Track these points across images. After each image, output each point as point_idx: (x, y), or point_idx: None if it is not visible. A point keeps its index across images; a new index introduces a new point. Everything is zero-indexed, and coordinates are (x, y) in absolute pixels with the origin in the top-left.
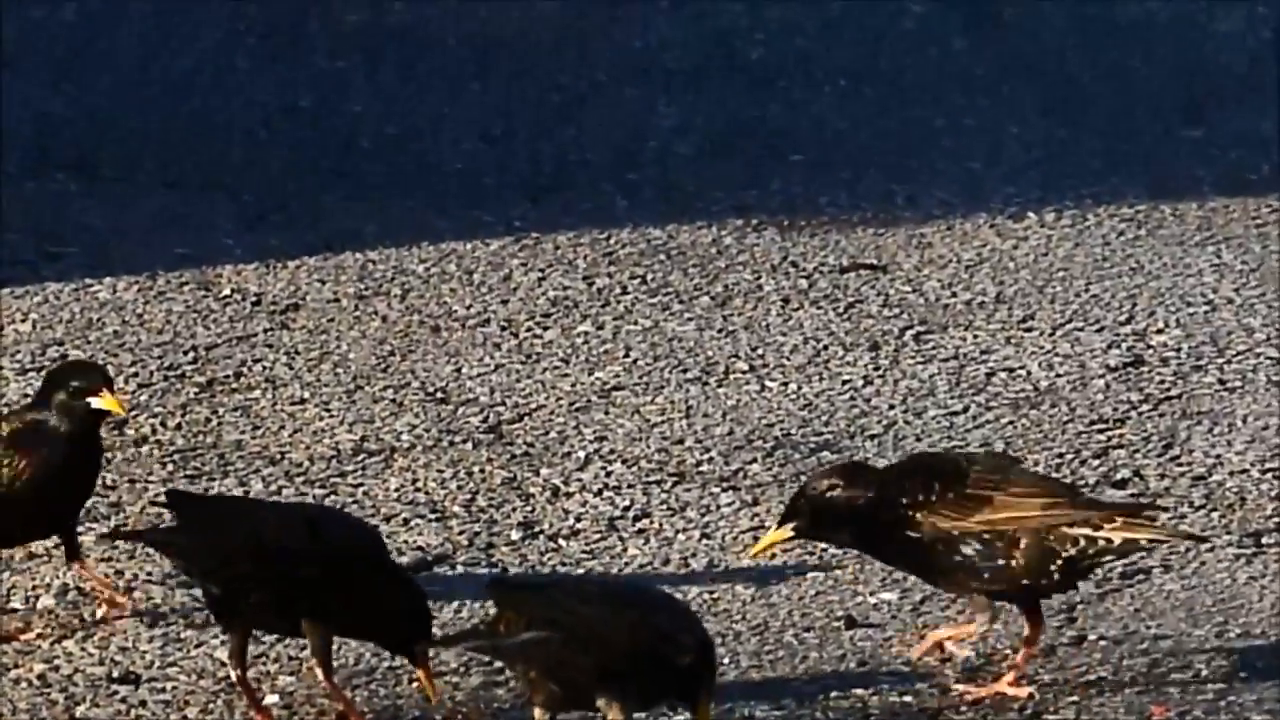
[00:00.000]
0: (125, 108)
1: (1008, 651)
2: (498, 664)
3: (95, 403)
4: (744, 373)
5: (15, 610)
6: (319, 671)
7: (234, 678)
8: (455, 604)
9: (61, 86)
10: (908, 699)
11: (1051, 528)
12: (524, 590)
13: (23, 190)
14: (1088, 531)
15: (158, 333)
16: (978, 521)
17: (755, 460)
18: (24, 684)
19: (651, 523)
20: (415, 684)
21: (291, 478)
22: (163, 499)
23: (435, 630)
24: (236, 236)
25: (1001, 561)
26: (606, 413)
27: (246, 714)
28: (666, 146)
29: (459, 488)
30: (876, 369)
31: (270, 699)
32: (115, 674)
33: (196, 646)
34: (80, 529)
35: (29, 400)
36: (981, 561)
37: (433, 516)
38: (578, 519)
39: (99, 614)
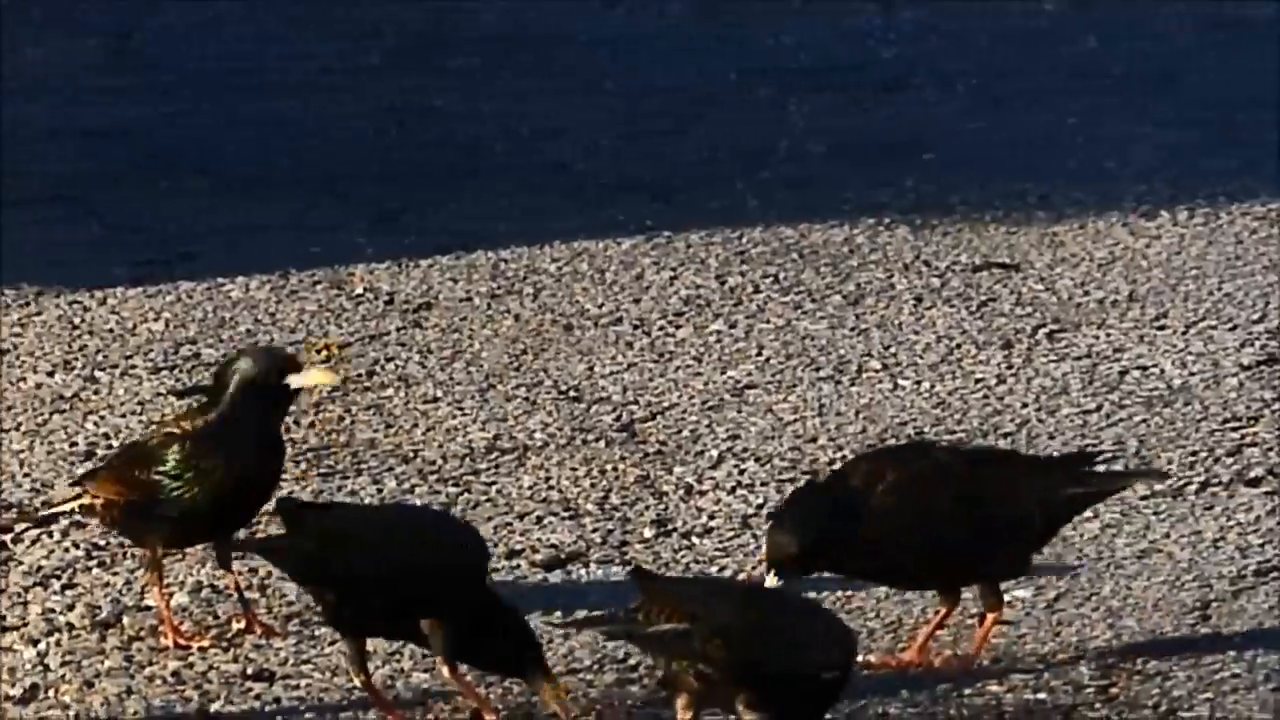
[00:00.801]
0: (256, 109)
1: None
2: (632, 660)
3: (295, 381)
4: (877, 371)
5: (150, 608)
6: (445, 670)
7: (358, 684)
8: (588, 602)
9: (192, 88)
10: (1041, 696)
11: None
12: (667, 581)
13: (155, 191)
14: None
15: (290, 331)
16: None
17: None
18: (158, 681)
19: None
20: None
21: (425, 476)
22: (273, 507)
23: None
24: (369, 236)
25: None
26: (739, 411)
27: (381, 714)
28: (798, 145)
29: (592, 486)
30: (1009, 367)
31: (404, 696)
32: (250, 671)
33: (331, 644)
34: None
35: (201, 398)
36: None
37: (566, 515)
38: (711, 517)
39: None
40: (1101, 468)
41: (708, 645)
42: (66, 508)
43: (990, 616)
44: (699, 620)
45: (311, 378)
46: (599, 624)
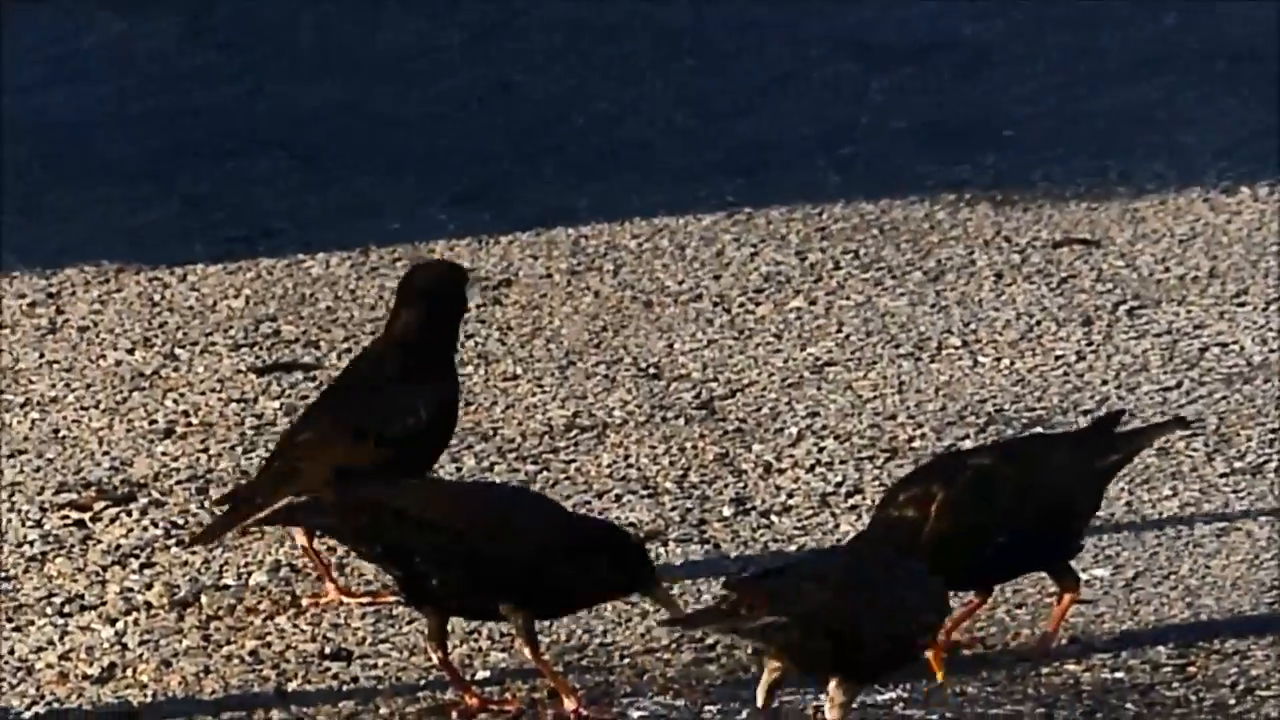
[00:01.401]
0: (336, 86)
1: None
2: (709, 640)
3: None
4: (956, 348)
5: (228, 586)
6: (527, 651)
7: (435, 660)
8: (667, 580)
9: (272, 66)
10: (1119, 675)
11: None
12: (762, 579)
13: (235, 168)
14: None
15: (370, 308)
16: None
17: (968, 436)
18: (236, 660)
19: (864, 499)
20: (627, 659)
21: (504, 454)
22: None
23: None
24: (449, 212)
25: None
26: (819, 388)
27: (458, 692)
28: (879, 122)
29: (671, 464)
30: (1089, 344)
31: (481, 675)
32: (327, 650)
33: (408, 623)
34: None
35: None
36: None
37: (645, 493)
38: (790, 495)
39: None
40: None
41: (803, 635)
42: (282, 504)
43: (1067, 596)
44: (792, 612)
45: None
46: (703, 621)
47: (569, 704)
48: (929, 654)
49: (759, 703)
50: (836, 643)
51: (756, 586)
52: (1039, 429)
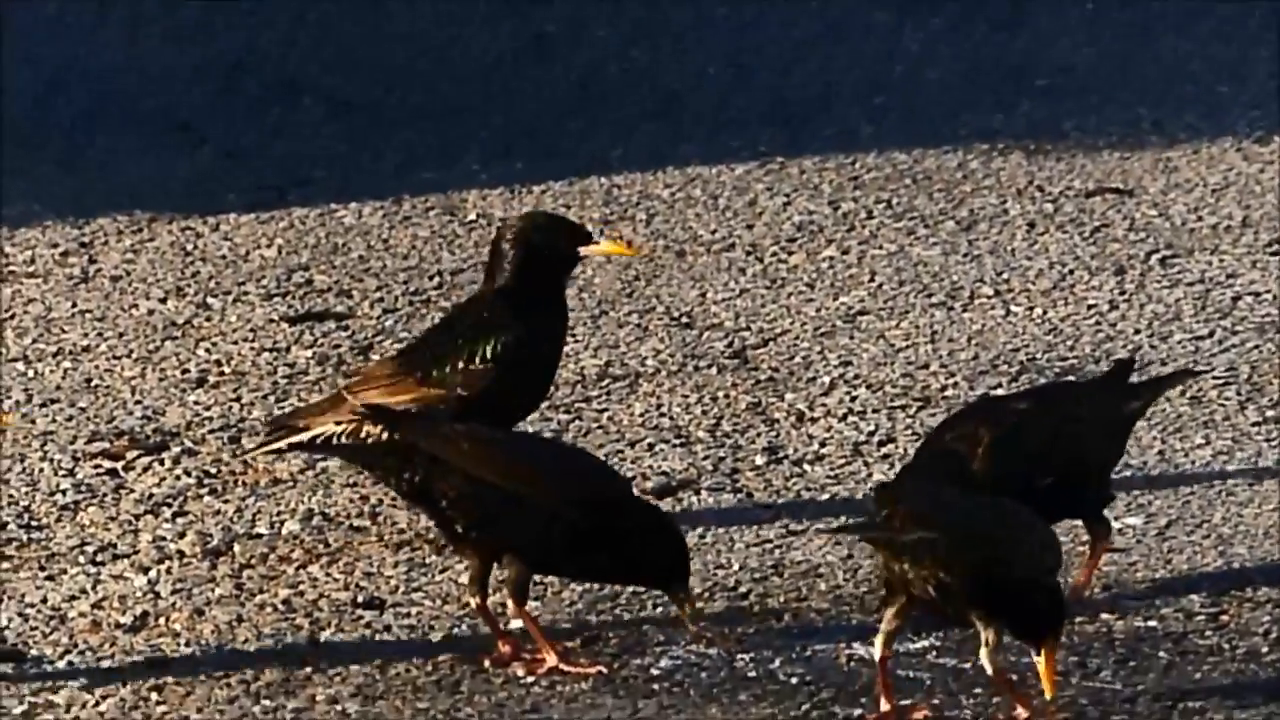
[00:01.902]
0: (371, 36)
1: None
2: (741, 589)
3: (587, 250)
4: (989, 297)
5: (260, 535)
6: (511, 603)
7: (473, 605)
8: (700, 529)
9: (308, 16)
10: (1152, 623)
11: None
12: (908, 491)
13: (269, 117)
14: None
15: (403, 258)
16: None
17: (1000, 385)
18: (269, 609)
19: (896, 448)
20: (660, 608)
21: None
22: (363, 410)
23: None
24: (483, 162)
25: None
26: (851, 338)
27: (491, 640)
28: (913, 72)
29: (703, 413)
30: (1122, 293)
31: (515, 624)
32: (360, 599)
33: (441, 572)
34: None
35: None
36: None
37: (677, 442)
38: (822, 444)
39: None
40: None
41: (955, 553)
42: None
43: (1100, 545)
44: (947, 529)
45: (604, 247)
46: (856, 530)
47: (550, 659)
48: (1041, 663)
49: (876, 654)
50: (984, 566)
51: (906, 500)
52: (1071, 378)
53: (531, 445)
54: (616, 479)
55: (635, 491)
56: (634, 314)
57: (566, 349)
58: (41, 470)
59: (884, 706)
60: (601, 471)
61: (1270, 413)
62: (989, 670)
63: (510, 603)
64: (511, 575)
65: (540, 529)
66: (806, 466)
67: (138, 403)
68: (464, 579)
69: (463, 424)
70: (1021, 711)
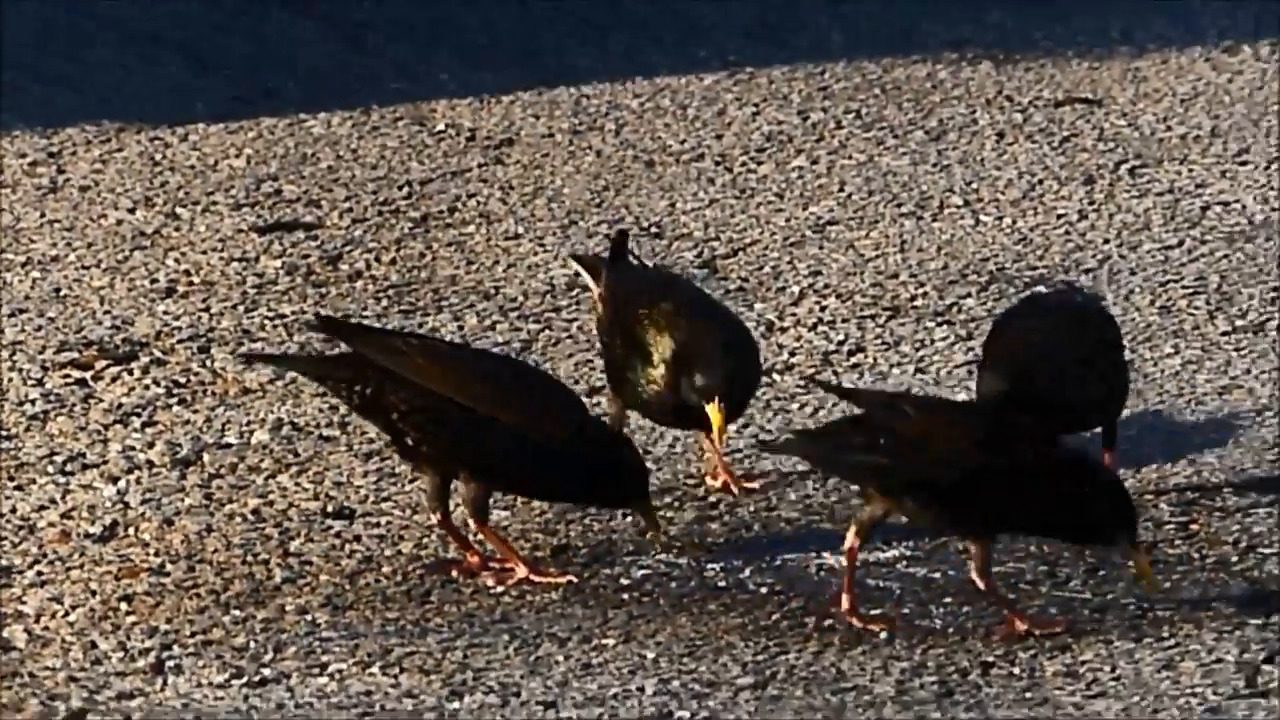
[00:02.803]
0: None
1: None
2: (711, 499)
3: None
4: (958, 207)
5: (230, 445)
6: (472, 522)
7: (434, 521)
8: (669, 439)
9: None
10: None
11: None
12: (856, 393)
13: (238, 27)
14: None
15: (372, 168)
16: None
17: (969, 295)
18: (238, 519)
19: (866, 357)
20: (629, 518)
21: (505, 313)
22: (316, 323)
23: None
24: (451, 72)
25: None
26: (820, 247)
27: (460, 551)
28: None
29: None
30: (1091, 203)
31: (480, 536)
32: (329, 509)
33: (411, 482)
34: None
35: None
36: None
37: None
38: (792, 354)
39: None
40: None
41: (901, 469)
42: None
43: (1108, 455)
44: (890, 431)
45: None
46: (788, 449)
47: (520, 570)
48: (1136, 561)
49: (846, 543)
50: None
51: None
52: (1040, 287)
53: (489, 363)
54: (575, 400)
55: (593, 414)
56: (604, 224)
57: (536, 258)
58: (10, 380)
59: (844, 604)
60: (559, 392)
61: (1239, 322)
62: (980, 585)
63: (471, 522)
64: (469, 494)
65: (495, 446)
66: (776, 376)
67: (107, 313)
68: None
69: (418, 338)
70: (1020, 624)
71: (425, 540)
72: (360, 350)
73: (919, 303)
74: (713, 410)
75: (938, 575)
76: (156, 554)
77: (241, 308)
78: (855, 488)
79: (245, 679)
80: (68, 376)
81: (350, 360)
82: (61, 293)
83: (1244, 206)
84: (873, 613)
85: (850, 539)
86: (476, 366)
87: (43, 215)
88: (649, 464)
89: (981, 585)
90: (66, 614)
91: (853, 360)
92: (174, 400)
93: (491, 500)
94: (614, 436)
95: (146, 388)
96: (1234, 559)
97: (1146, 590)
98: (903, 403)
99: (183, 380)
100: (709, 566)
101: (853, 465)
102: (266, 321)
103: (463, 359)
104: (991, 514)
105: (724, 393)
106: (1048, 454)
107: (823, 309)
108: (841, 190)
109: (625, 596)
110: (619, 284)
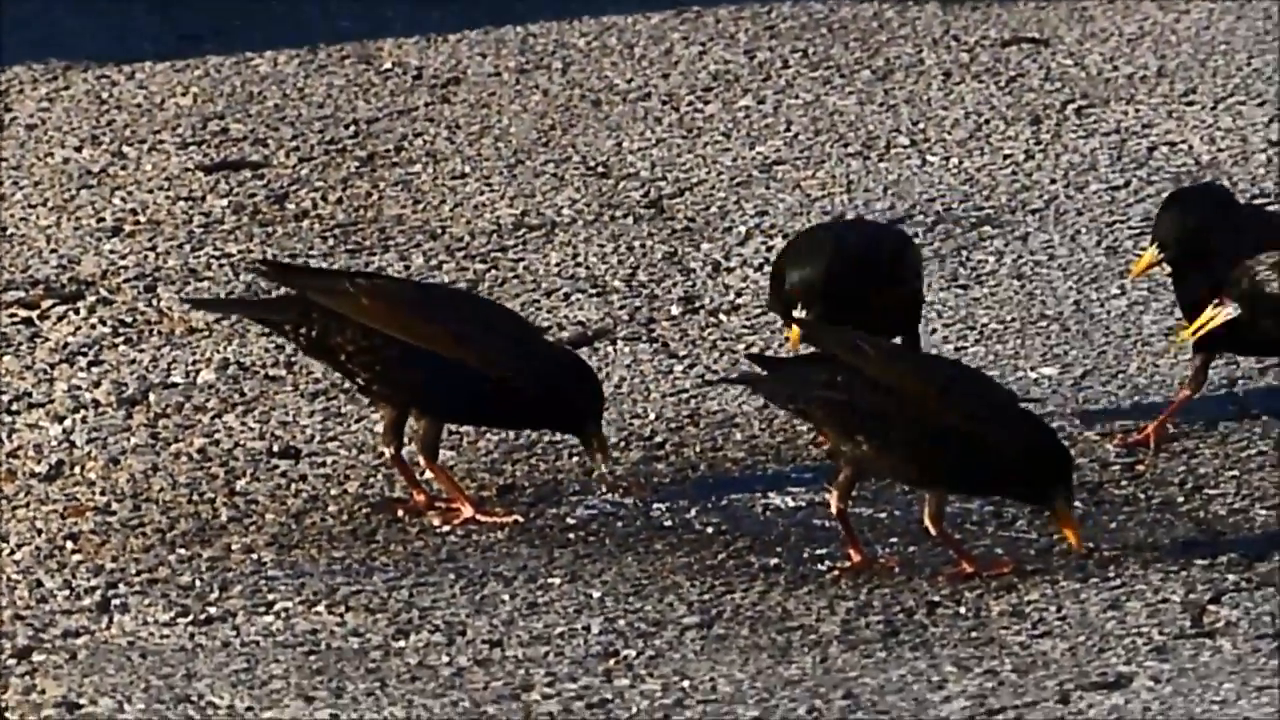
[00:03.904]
0: None
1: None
2: (657, 439)
3: None
4: (905, 147)
5: (176, 384)
6: (422, 459)
7: (387, 455)
8: (615, 379)
9: None
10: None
11: None
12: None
13: None
14: None
15: (318, 107)
16: None
17: (917, 235)
18: (184, 458)
19: None
20: (575, 458)
21: (452, 252)
22: (260, 266)
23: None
24: (397, 9)
25: None
26: (767, 187)
27: (407, 490)
28: None
29: (619, 262)
30: (1038, 143)
31: (428, 474)
32: (275, 448)
33: (357, 421)
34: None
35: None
36: None
37: (593, 291)
38: (738, 294)
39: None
40: None
41: (861, 408)
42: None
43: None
44: (853, 372)
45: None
46: (746, 381)
47: (466, 510)
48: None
49: (833, 507)
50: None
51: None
52: (986, 228)
53: (435, 297)
54: (525, 326)
55: (546, 337)
56: (550, 163)
57: (482, 198)
58: None
59: (855, 557)
60: (508, 320)
61: None
62: (932, 531)
63: (421, 459)
64: (420, 430)
65: (444, 382)
66: (722, 316)
67: (53, 251)
68: (379, 429)
69: (364, 277)
70: (968, 567)
71: (371, 480)
72: (304, 293)
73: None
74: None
75: (884, 515)
76: (102, 493)
77: (188, 247)
78: (806, 426)
79: (191, 617)
80: (14, 315)
81: (295, 303)
82: (8, 232)
83: (1191, 147)
84: (818, 553)
85: (834, 503)
86: (422, 303)
87: None
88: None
89: (934, 531)
90: (12, 553)
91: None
92: (120, 339)
93: (441, 438)
94: (565, 363)
95: (93, 327)
96: (1180, 499)
97: (1075, 549)
98: (862, 342)
99: (129, 320)
100: (655, 506)
101: (811, 400)
102: (213, 260)
103: (408, 296)
104: (946, 465)
105: (806, 302)
106: (997, 411)
107: (769, 249)
108: (788, 130)
109: (571, 536)
110: None
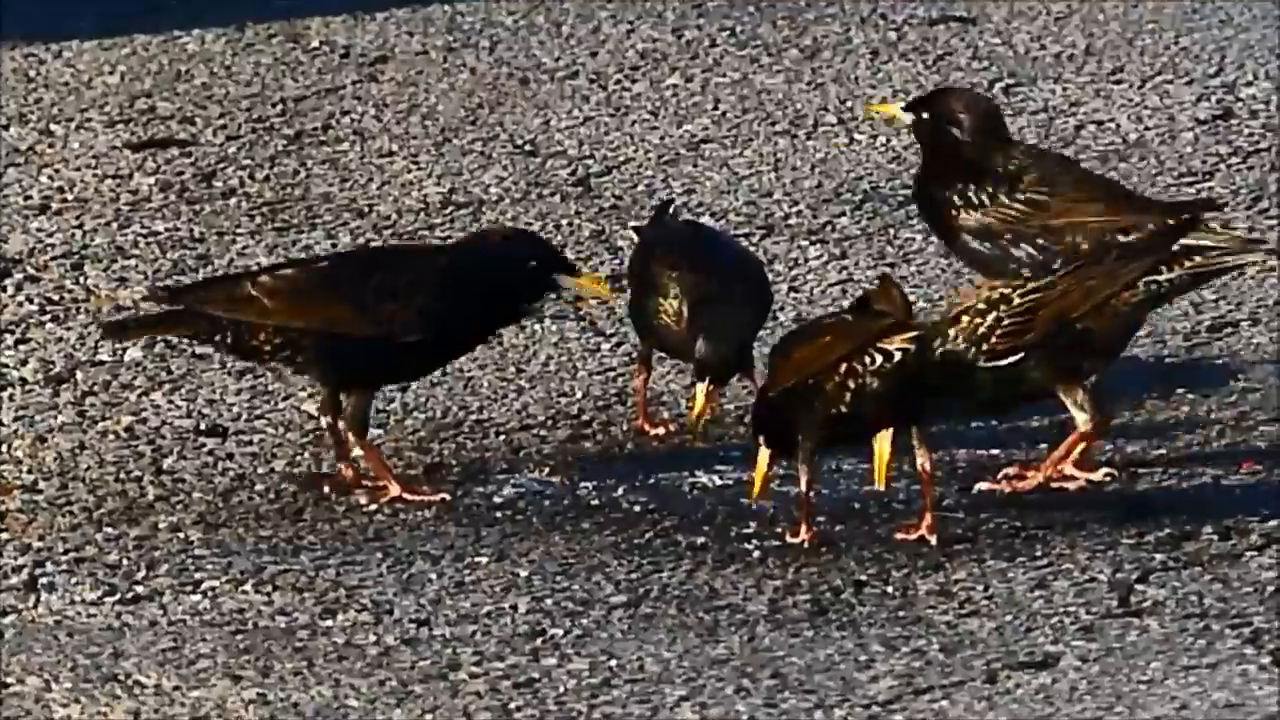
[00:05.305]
0: None
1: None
2: (584, 417)
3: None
4: (832, 126)
5: (103, 362)
6: (351, 435)
7: (324, 425)
8: (543, 358)
9: None
10: (995, 452)
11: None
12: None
13: None
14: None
15: (246, 85)
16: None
17: (844, 214)
18: (111, 436)
19: None
20: (503, 436)
21: (379, 230)
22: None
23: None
24: None
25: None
26: (695, 165)
27: (334, 466)
28: None
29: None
30: None
31: (356, 453)
32: (203, 426)
33: (284, 399)
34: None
35: None
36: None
37: None
38: None
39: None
40: None
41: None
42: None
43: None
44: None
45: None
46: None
47: (393, 489)
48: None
49: (801, 484)
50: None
51: None
52: (914, 206)
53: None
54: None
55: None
56: (478, 142)
57: (410, 176)
58: None
59: (804, 534)
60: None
61: None
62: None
63: (350, 435)
64: (350, 407)
65: (364, 359)
66: None
67: None
68: (317, 399)
69: (267, 272)
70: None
71: (298, 458)
72: (207, 311)
73: (793, 221)
74: (701, 390)
75: (811, 495)
76: (29, 471)
77: (115, 225)
78: (734, 405)
79: (118, 596)
80: None
81: (203, 316)
82: None
83: (1118, 125)
84: (745, 532)
85: (804, 475)
86: (323, 285)
87: None
88: (522, 381)
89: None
90: None
91: None
92: (47, 317)
93: (371, 415)
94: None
95: (20, 305)
96: (1107, 479)
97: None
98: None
99: (56, 297)
100: (582, 485)
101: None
102: (140, 239)
103: (311, 281)
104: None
105: (717, 376)
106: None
107: None
108: (716, 108)
109: (498, 515)
110: (651, 233)
